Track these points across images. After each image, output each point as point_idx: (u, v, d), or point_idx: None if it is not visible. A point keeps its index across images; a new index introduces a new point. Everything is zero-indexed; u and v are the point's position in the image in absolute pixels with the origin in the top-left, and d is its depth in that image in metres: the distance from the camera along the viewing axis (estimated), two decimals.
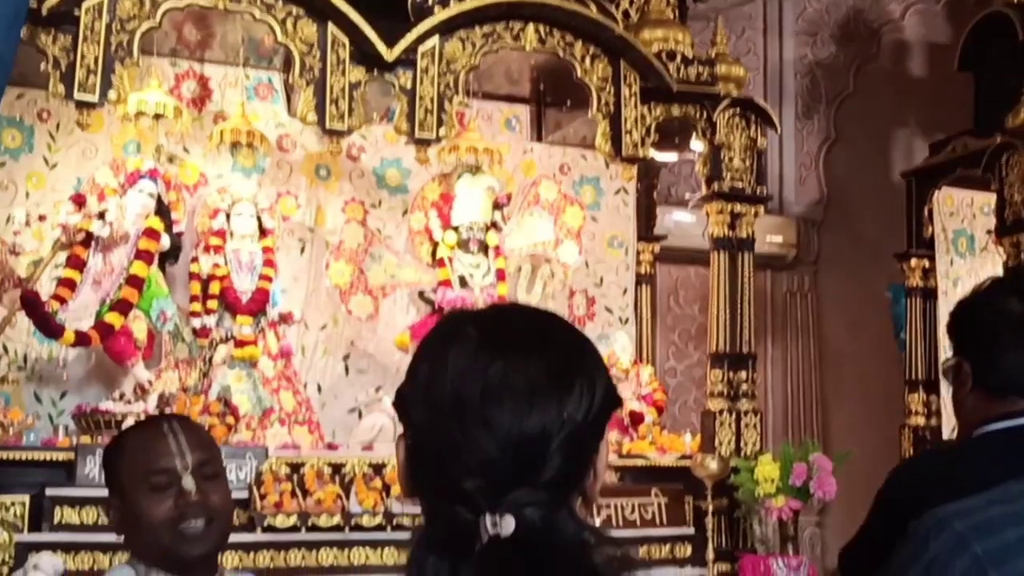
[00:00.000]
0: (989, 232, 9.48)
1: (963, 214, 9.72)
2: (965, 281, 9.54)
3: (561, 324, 1.24)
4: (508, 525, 1.07)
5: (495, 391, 1.12)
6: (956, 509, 1.10)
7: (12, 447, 6.21)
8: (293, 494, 6.16)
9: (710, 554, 6.64)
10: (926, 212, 9.60)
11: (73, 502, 5.94)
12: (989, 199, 9.38)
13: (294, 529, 6.05)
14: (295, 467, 6.41)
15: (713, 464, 7.05)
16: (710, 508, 6.81)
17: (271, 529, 6.03)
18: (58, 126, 7.33)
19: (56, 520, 5.91)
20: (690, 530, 7.10)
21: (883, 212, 10.13)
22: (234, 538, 5.84)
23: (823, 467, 6.80)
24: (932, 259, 9.57)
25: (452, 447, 1.12)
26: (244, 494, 6.18)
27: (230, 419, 6.58)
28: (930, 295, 9.56)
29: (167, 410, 6.59)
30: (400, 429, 1.21)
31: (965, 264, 9.63)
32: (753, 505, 7.05)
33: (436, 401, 1.15)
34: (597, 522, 6.47)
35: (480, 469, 1.10)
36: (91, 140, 7.37)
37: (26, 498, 6.00)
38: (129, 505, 2.07)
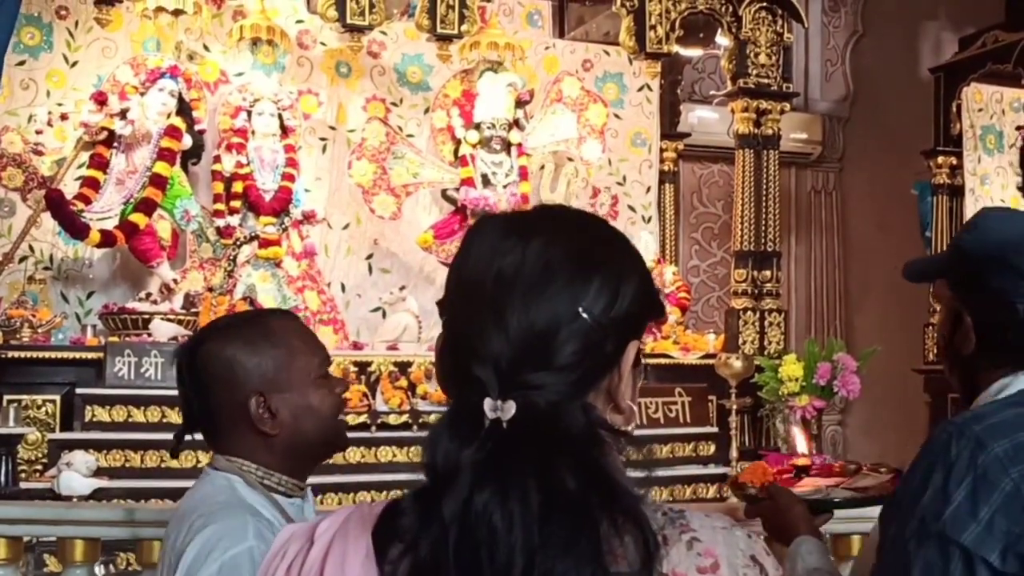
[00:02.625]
0: (1019, 128, 9.35)
1: (992, 110, 9.56)
2: (992, 179, 9.45)
3: (596, 221, 1.22)
4: (509, 410, 1.07)
5: (508, 278, 1.11)
6: (973, 415, 1.11)
7: (42, 346, 6.26)
8: None
9: (733, 452, 6.69)
10: (954, 108, 9.47)
11: (103, 401, 5.99)
12: (1019, 94, 9.25)
13: None
14: None
15: (737, 363, 7.06)
16: (734, 407, 6.84)
17: None
18: (76, 23, 7.25)
19: (87, 418, 5.97)
20: (714, 429, 7.16)
21: (910, 108, 9.98)
22: None
23: (847, 366, 6.81)
24: (959, 156, 9.46)
25: (467, 334, 1.12)
26: None
27: None
28: (957, 192, 9.48)
29: (192, 310, 6.63)
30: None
31: (993, 161, 9.51)
32: (777, 404, 7.08)
33: (458, 288, 1.16)
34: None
35: (490, 357, 1.09)
36: (110, 38, 7.29)
37: (57, 397, 6.07)
38: (286, 398, 1.88)
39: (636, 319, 1.16)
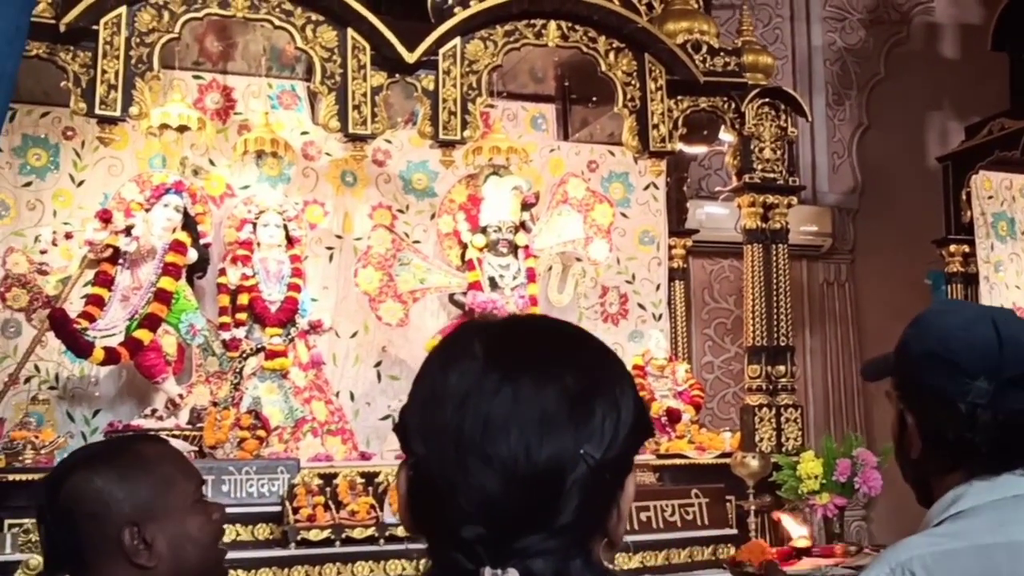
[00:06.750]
0: None
1: (1002, 197, 9.52)
2: (1007, 266, 9.38)
3: (581, 339, 1.09)
4: None
5: (500, 422, 0.97)
6: (907, 547, 1.02)
7: (44, 468, 6.15)
8: (326, 507, 6.09)
9: None
10: (964, 196, 9.41)
11: None
12: None
13: (328, 542, 5.98)
14: (328, 478, 6.33)
15: (754, 462, 6.92)
16: (752, 507, 6.67)
17: (305, 543, 5.95)
18: (83, 143, 7.31)
19: None
20: (733, 531, 6.96)
21: (920, 198, 9.94)
22: (267, 554, 5.82)
23: (867, 462, 6.65)
24: (972, 244, 9.38)
25: (451, 487, 0.98)
26: (277, 508, 6.11)
27: (261, 432, 6.53)
28: (971, 280, 9.38)
29: (198, 425, 6.57)
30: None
31: (1006, 248, 9.44)
32: (797, 503, 6.91)
33: (435, 431, 1.01)
34: (635, 527, 6.37)
35: (481, 514, 0.97)
36: (117, 156, 7.34)
37: None
38: (162, 526, 1.80)
39: (634, 448, 1.04)
